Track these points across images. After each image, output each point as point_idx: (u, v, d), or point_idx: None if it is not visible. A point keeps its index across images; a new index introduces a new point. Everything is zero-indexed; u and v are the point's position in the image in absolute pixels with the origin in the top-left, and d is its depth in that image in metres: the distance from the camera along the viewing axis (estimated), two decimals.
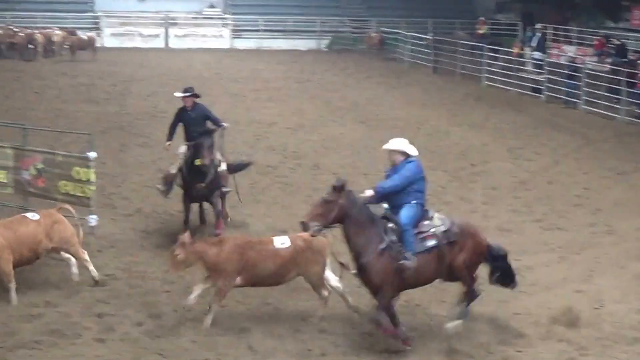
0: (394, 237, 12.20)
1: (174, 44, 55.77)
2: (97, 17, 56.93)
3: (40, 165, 17.35)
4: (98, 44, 49.85)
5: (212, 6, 59.74)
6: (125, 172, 22.49)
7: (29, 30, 48.30)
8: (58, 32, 48.83)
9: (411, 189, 12.44)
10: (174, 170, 17.15)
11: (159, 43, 55.88)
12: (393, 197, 12.43)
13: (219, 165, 17.05)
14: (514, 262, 13.68)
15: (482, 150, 26.24)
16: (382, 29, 53.64)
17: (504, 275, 13.25)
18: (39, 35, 47.43)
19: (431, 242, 12.42)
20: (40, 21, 52.92)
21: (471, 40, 45.58)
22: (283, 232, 17.65)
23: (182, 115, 17.34)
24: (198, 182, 16.59)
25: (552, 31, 46.56)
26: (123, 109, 31.94)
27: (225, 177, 17.36)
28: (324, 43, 56.96)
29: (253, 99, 35.09)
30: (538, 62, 39.01)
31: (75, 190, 16.75)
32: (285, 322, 13.04)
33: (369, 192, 12.42)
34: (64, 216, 14.56)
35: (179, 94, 17.38)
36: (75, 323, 12.93)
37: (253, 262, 12.88)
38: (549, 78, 35.97)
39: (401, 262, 12.09)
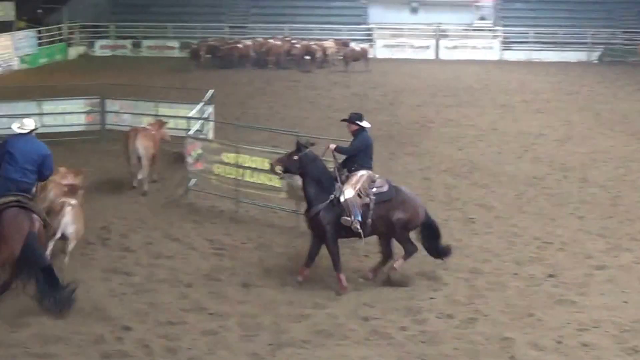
0: None
1: (443, 55, 56.22)
2: (370, 29, 58.22)
3: None
4: (370, 55, 51.03)
5: (482, 18, 59.81)
6: (394, 180, 22.78)
7: (305, 42, 50.14)
8: (332, 43, 50.35)
9: None
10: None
11: (429, 54, 56.50)
12: None
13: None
14: None
15: None
16: None
17: None
18: (315, 46, 49.08)
19: None
20: (315, 33, 54.73)
21: None
22: (548, 244, 17.60)
23: None
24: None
25: None
26: (393, 118, 32.56)
27: (349, 206, 14.74)
28: (595, 55, 55.75)
29: (521, 110, 34.91)
30: None
31: None
32: (548, 334, 12.94)
33: None
34: None
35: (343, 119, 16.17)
36: (341, 324, 13.33)
37: None
38: None
39: None
